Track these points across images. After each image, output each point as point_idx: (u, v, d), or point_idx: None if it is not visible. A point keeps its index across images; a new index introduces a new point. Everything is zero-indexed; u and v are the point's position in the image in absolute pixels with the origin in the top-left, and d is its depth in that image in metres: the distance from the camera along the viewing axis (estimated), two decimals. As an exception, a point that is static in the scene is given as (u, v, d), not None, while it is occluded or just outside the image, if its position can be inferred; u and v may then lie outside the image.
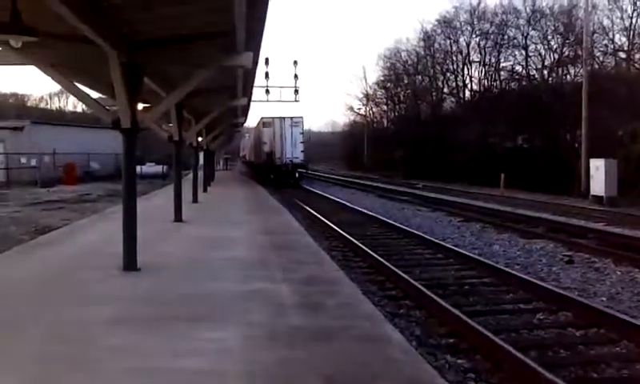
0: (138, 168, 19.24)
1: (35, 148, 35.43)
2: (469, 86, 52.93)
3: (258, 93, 41.16)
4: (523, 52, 44.90)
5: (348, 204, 22.88)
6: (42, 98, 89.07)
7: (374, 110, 73.59)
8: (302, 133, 36.89)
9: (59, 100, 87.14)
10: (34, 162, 35.77)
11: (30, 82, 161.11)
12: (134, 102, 7.87)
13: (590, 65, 32.35)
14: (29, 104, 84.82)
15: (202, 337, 5.24)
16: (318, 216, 18.00)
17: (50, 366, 4.57)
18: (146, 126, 8.62)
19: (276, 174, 34.94)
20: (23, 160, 36.49)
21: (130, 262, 7.96)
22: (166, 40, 8.17)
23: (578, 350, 6.36)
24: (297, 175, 35.54)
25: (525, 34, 44.60)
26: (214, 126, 24.02)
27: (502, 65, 47.95)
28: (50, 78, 8.22)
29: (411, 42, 63.05)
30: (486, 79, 50.05)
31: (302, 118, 36.54)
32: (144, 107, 10.24)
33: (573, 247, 12.73)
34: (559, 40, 41.49)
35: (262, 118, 37.98)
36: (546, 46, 42.80)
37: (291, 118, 36.41)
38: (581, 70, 34.04)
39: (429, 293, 8.18)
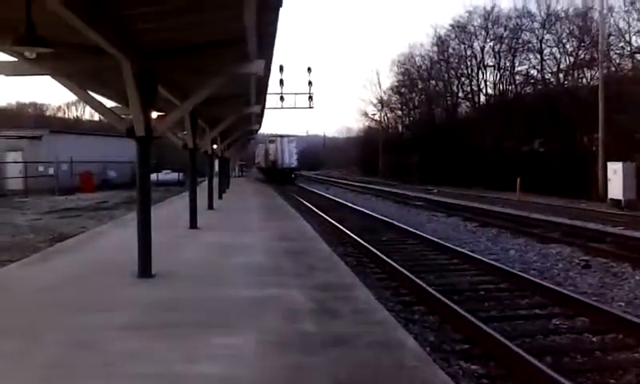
0: (154, 176, 19.42)
1: (53, 156, 35.85)
2: (484, 90, 52.67)
3: (272, 100, 42.13)
4: (538, 56, 44.63)
5: (363, 210, 22.87)
6: (60, 107, 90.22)
7: (388, 115, 73.46)
8: (296, 147, 53.56)
9: (76, 109, 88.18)
10: (51, 171, 36.19)
11: (49, 92, 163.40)
12: (148, 110, 7.93)
13: (606, 67, 32.06)
14: (47, 113, 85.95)
15: (216, 343, 5.25)
16: (333, 222, 18.01)
17: (64, 371, 4.61)
18: (160, 134, 8.67)
19: (278, 175, 49.93)
20: (41, 168, 36.93)
21: (144, 269, 8.01)
22: (178, 49, 8.24)
23: (595, 356, 6.28)
24: (293, 176, 51.50)
25: (540, 38, 44.34)
26: (228, 133, 24.15)
27: (516, 69, 47.67)
28: (65, 88, 8.31)
29: (425, 47, 62.89)
30: (501, 83, 49.74)
31: (295, 137, 58.54)
32: (158, 115, 10.30)
33: (590, 252, 12.60)
34: (575, 43, 41.15)
35: (268, 138, 58.42)
36: (562, 50, 42.49)
37: (287, 136, 55.63)
38: (597, 73, 33.73)
39: (443, 298, 8.14)
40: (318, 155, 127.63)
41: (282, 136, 55.09)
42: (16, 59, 7.82)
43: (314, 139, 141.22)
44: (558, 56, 42.86)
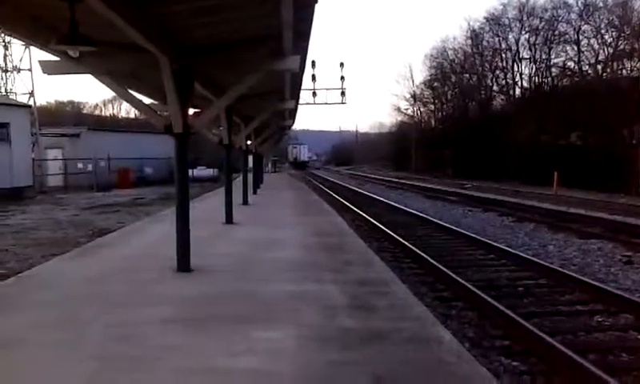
0: (190, 172, 19.66)
1: (91, 154, 36.61)
2: (519, 83, 51.82)
3: (304, 95, 42.68)
4: (575, 47, 43.67)
5: (396, 205, 22.78)
6: (97, 105, 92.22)
7: (421, 110, 72.97)
8: (308, 149, 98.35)
9: (113, 107, 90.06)
10: (90, 167, 36.98)
11: (86, 90, 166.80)
12: (186, 107, 8.00)
13: (647, 58, 31.17)
14: (85, 111, 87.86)
15: (255, 337, 5.28)
16: (368, 218, 17.97)
17: (108, 363, 4.70)
18: (196, 130, 8.75)
19: (298, 165, 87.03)
20: (80, 165, 37.79)
21: (183, 264, 8.10)
22: (215, 45, 8.29)
23: (641, 354, 6.12)
24: (306, 166, 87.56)
25: (577, 29, 43.37)
26: (262, 129, 24.25)
27: (553, 61, 46.74)
28: (104, 86, 8.44)
29: (458, 40, 62.32)
30: (537, 76, 48.83)
31: (307, 144, 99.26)
32: (195, 112, 10.42)
33: (632, 247, 12.29)
34: (614, 34, 40.12)
35: (293, 144, 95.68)
36: (600, 40, 41.50)
37: (303, 144, 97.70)
38: (638, 64, 32.83)
39: (481, 294, 8.05)
40: (350, 151, 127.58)
41: (300, 143, 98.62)
42: (58, 58, 7.98)
43: (346, 135, 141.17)
44: (597, 47, 41.92)
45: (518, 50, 50.42)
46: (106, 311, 6.19)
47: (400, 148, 74.71)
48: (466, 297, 8.32)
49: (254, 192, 24.52)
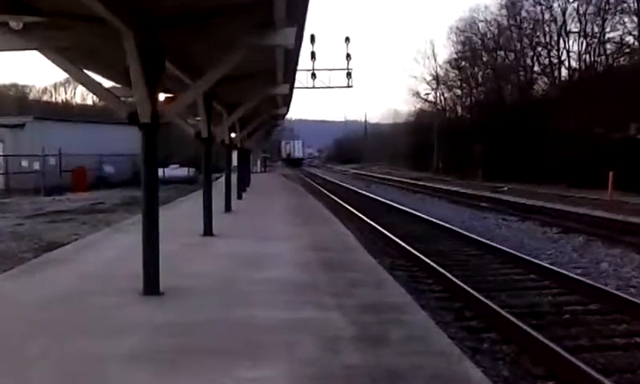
0: (160, 171, 19.68)
1: (38, 149, 36.52)
2: (566, 62, 51.86)
3: (302, 77, 42.66)
4: (635, 19, 43.70)
5: (414, 212, 22.80)
6: (46, 89, 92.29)
7: (445, 95, 73.07)
8: (302, 145, 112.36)
9: (65, 91, 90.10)
10: (37, 166, 36.87)
11: (32, 72, 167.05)
12: (155, 91, 7.99)
13: None
14: (31, 97, 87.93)
15: (238, 376, 5.27)
16: (378, 228, 17.99)
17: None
18: (168, 120, 8.75)
19: (291, 162, 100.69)
20: (25, 163, 37.63)
21: (151, 285, 8.08)
22: (190, 15, 8.28)
23: None
24: (300, 163, 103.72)
25: (637, -4, 43.43)
26: (249, 119, 24.28)
27: (607, 35, 46.78)
28: (55, 66, 8.43)
29: (491, 9, 62.46)
30: (588, 54, 48.91)
31: (302, 139, 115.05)
32: (166, 98, 10.39)
33: None
34: (683, 1, 40.23)
35: (286, 139, 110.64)
36: (666, 10, 41.55)
37: (298, 138, 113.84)
38: None
39: (519, 323, 8.05)
40: (357, 146, 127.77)
41: (294, 138, 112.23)
42: (-2, 32, 7.98)
43: (353, 126, 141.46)
44: (662, 18, 41.96)
45: (564, 22, 50.59)
46: (55, 343, 6.16)
47: (419, 142, 74.66)
48: (500, 326, 8.32)
49: (239, 196, 24.56)
